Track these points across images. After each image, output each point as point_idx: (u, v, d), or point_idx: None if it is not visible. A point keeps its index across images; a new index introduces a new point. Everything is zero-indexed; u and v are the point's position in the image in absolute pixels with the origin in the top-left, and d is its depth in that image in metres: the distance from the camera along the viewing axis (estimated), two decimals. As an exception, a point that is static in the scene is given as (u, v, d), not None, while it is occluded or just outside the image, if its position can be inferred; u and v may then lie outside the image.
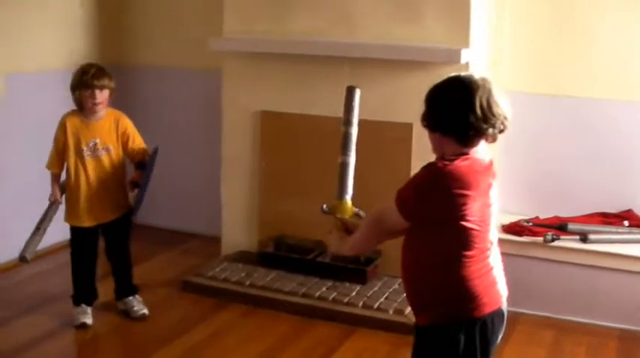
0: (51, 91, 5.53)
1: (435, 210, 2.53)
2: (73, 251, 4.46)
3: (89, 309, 4.49)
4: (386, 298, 4.61)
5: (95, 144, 4.27)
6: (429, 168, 2.56)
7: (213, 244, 5.50)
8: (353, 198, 3.09)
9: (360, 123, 4.78)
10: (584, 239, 4.62)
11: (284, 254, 5.09)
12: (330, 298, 4.64)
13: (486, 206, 2.63)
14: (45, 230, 4.35)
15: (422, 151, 4.82)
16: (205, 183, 5.66)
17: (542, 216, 4.98)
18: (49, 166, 4.39)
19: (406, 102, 4.73)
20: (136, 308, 4.51)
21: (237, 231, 5.34)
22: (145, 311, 4.52)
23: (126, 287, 4.58)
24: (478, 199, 2.55)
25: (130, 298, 4.55)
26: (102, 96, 4.22)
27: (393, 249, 4.92)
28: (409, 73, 4.69)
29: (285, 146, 5.14)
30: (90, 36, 5.85)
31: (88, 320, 4.43)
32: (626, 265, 4.54)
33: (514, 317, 4.59)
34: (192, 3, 5.82)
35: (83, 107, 4.25)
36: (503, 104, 2.58)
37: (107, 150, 4.29)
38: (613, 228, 4.78)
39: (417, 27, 4.66)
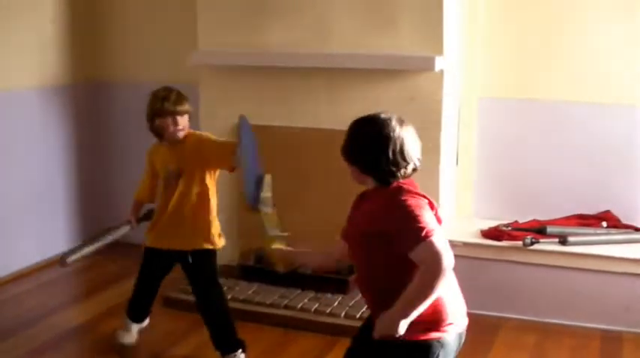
0: (21, 110, 5.49)
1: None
2: (141, 267, 4.26)
3: (133, 327, 4.33)
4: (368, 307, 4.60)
5: (173, 170, 3.99)
6: (389, 193, 2.70)
7: (193, 259, 5.48)
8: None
9: (337, 133, 4.84)
10: (563, 241, 4.65)
11: (265, 266, 5.07)
12: (313, 309, 4.63)
13: None
14: (100, 244, 4.13)
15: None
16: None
17: (520, 220, 5.00)
18: (135, 194, 4.24)
19: (381, 110, 4.75)
20: None
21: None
22: None
23: (219, 341, 4.12)
24: None
25: (230, 356, 4.08)
26: (184, 121, 3.94)
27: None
28: (384, 82, 4.71)
29: (263, 158, 5.13)
30: (63, 52, 5.81)
31: (125, 340, 4.31)
32: (606, 266, 4.57)
33: (496, 321, 4.64)
34: (167, 17, 5.81)
35: (164, 135, 3.96)
36: (415, 145, 2.76)
37: (182, 174, 3.97)
38: (591, 230, 4.81)
39: (391, 36, 4.69)
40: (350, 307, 4.62)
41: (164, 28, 5.81)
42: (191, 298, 4.75)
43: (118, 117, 6.00)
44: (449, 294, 2.70)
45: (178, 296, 4.87)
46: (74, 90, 5.91)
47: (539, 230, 4.79)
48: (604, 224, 4.88)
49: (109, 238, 4.17)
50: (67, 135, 5.89)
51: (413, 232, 2.56)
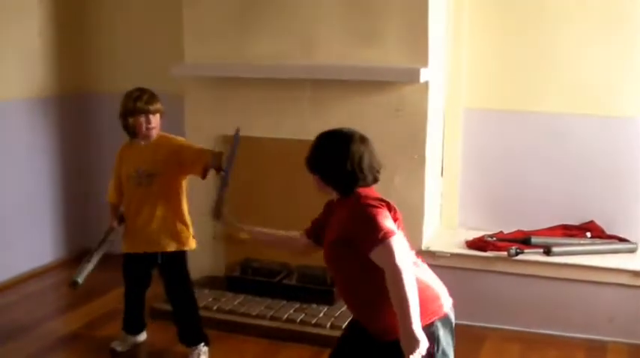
0: (9, 121, 5.49)
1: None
2: (123, 275, 4.35)
3: (129, 338, 4.43)
4: (354, 318, 4.61)
5: (144, 170, 4.09)
6: (352, 201, 2.87)
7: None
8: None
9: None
10: (547, 252, 4.68)
11: (250, 277, 5.08)
12: (298, 320, 4.63)
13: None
14: (97, 257, 4.20)
15: (382, 170, 4.88)
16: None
17: (505, 231, 5.02)
18: (108, 198, 4.31)
19: (367, 122, 4.75)
20: None
21: (203, 256, 5.30)
22: None
23: (186, 335, 4.33)
24: None
25: (193, 348, 4.28)
26: (156, 120, 4.10)
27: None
28: (370, 94, 4.73)
29: (248, 169, 5.13)
30: (49, 64, 5.82)
31: (118, 348, 4.40)
32: (590, 276, 4.59)
33: (482, 332, 4.65)
34: (154, 29, 5.81)
35: (137, 133, 4.10)
36: (375, 160, 2.92)
37: (155, 176, 4.08)
38: (575, 240, 4.84)
39: (376, 48, 4.70)
40: (335, 318, 4.63)
41: (151, 39, 5.82)
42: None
43: (104, 127, 5.99)
44: (423, 283, 2.82)
45: (164, 308, 4.83)
46: (61, 101, 5.91)
47: (523, 240, 4.81)
48: (588, 234, 4.91)
49: (99, 250, 4.22)
50: (53, 145, 5.89)
51: (371, 235, 2.72)
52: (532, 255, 4.70)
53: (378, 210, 2.77)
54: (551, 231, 4.99)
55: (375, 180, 2.92)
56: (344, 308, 4.74)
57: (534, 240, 4.80)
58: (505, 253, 4.69)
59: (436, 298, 2.87)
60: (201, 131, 5.17)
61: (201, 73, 5.13)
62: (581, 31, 4.90)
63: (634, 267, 4.56)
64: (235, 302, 4.87)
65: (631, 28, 4.82)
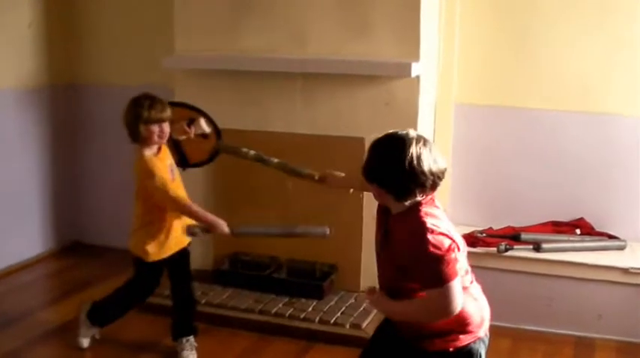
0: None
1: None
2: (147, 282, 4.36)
3: (93, 328, 4.41)
4: (342, 313, 4.61)
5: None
6: (418, 229, 2.63)
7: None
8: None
9: (312, 138, 4.85)
10: (537, 248, 4.68)
11: (239, 271, 5.06)
12: (287, 314, 4.62)
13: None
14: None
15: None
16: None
17: (495, 227, 5.02)
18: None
19: (358, 116, 4.76)
20: (184, 353, 4.25)
21: (191, 250, 5.28)
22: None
23: (178, 327, 4.35)
24: None
25: (183, 340, 4.29)
26: (167, 127, 3.99)
27: (349, 264, 4.95)
28: (361, 88, 4.72)
29: (238, 162, 5.11)
30: (39, 56, 5.77)
31: (86, 345, 4.40)
32: (579, 273, 4.60)
33: (470, 327, 4.63)
34: (144, 21, 5.78)
35: (148, 141, 3.95)
36: (438, 160, 2.70)
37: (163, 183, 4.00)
38: (565, 237, 4.84)
39: (368, 42, 4.69)
40: (324, 312, 4.62)
41: (141, 31, 5.79)
42: (164, 302, 4.75)
43: (94, 118, 5.98)
44: (475, 304, 2.82)
45: (152, 301, 4.81)
46: (51, 92, 5.87)
47: (513, 236, 4.82)
48: (578, 231, 4.92)
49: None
50: (43, 136, 5.86)
51: (432, 274, 2.58)
52: (522, 251, 4.70)
53: (443, 242, 2.59)
54: (541, 227, 4.99)
55: (435, 187, 2.70)
56: (333, 302, 4.74)
57: (524, 236, 4.81)
58: (495, 249, 4.69)
59: (483, 322, 2.85)
60: (191, 124, 5.15)
61: (191, 65, 5.11)
62: (572, 28, 4.90)
63: (623, 265, 4.57)
64: (224, 296, 4.85)
65: (621, 25, 4.82)
